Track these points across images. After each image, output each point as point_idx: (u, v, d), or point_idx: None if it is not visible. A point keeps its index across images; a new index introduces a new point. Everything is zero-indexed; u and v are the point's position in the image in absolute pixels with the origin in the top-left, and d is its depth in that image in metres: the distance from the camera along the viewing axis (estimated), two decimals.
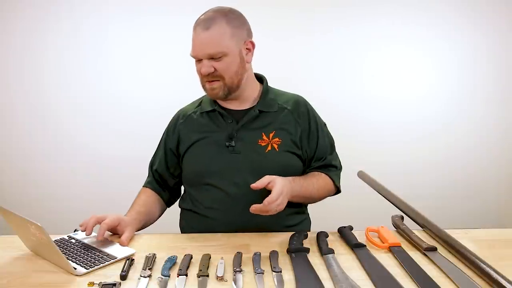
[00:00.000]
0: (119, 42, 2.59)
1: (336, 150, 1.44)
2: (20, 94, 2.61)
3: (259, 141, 1.30)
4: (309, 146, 1.35)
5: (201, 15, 1.26)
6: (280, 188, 1.14)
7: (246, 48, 1.28)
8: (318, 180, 1.33)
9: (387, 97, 2.69)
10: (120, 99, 2.62)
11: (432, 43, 2.64)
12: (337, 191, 1.41)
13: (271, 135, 1.30)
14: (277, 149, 1.29)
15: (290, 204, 1.32)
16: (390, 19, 2.62)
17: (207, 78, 1.25)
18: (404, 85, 2.69)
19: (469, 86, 2.69)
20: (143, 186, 1.45)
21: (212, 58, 1.22)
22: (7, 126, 2.64)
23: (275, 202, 1.12)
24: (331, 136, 1.43)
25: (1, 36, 2.57)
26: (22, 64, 2.59)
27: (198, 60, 1.25)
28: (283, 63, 2.45)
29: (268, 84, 1.40)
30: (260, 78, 1.40)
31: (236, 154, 1.29)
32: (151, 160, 1.48)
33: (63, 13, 2.55)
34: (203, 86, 1.30)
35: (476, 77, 2.69)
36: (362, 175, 1.55)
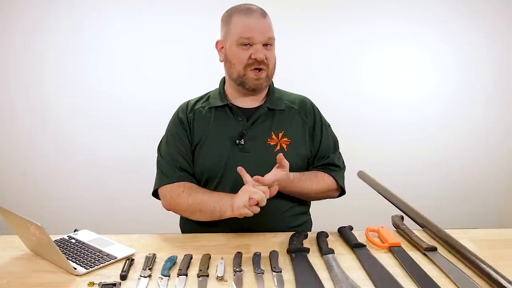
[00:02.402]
0: (119, 42, 2.59)
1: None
2: (20, 94, 2.61)
3: (269, 140, 1.30)
4: (313, 144, 1.36)
5: (244, 6, 1.27)
6: (283, 177, 1.16)
7: None
8: (318, 182, 1.32)
9: (388, 97, 2.69)
10: (120, 99, 2.63)
11: (432, 44, 2.65)
12: (341, 192, 1.40)
13: (280, 134, 1.31)
14: (286, 149, 1.30)
15: (296, 205, 1.34)
16: (391, 19, 2.62)
17: (257, 65, 1.24)
18: (404, 85, 2.69)
19: (469, 86, 2.70)
20: (171, 183, 1.29)
21: (264, 45, 1.24)
22: (7, 126, 2.64)
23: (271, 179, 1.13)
24: (335, 136, 1.44)
25: (1, 36, 2.57)
26: (22, 64, 2.59)
27: (247, 46, 1.24)
28: (284, 63, 2.44)
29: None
30: None
31: (245, 153, 1.28)
32: (168, 156, 1.33)
33: (63, 13, 2.55)
34: (242, 76, 1.26)
35: (476, 77, 2.69)
36: (362, 175, 1.55)
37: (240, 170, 1.15)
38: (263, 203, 1.11)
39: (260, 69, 1.25)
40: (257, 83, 1.27)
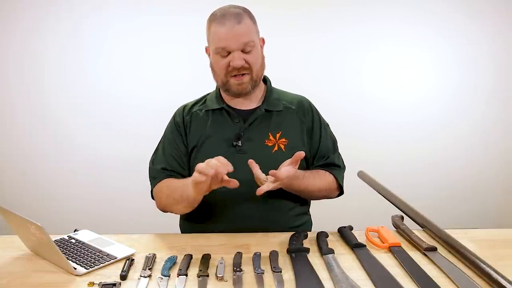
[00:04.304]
0: (119, 42, 2.59)
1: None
2: (20, 94, 2.61)
3: (266, 141, 1.30)
4: (312, 144, 1.36)
5: (220, 11, 1.24)
6: (291, 174, 1.17)
7: (260, 45, 1.31)
8: (321, 179, 1.32)
9: (388, 97, 2.69)
10: (120, 99, 2.63)
11: (432, 44, 2.65)
12: (340, 192, 1.40)
13: (277, 135, 1.30)
14: (283, 150, 1.29)
15: (297, 205, 1.34)
16: (391, 19, 2.62)
17: (237, 72, 1.24)
18: (404, 85, 2.69)
19: (469, 86, 2.70)
20: (158, 182, 1.31)
21: (243, 50, 1.22)
22: (7, 126, 2.65)
23: (281, 175, 1.13)
24: (334, 136, 1.43)
25: (1, 36, 2.57)
26: (22, 64, 2.59)
27: (225, 55, 1.23)
28: (283, 63, 2.45)
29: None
30: (263, 79, 1.40)
31: (243, 154, 1.28)
32: (156, 162, 1.35)
33: (63, 13, 2.55)
34: (226, 83, 1.27)
35: (476, 77, 2.69)
36: (362, 175, 1.55)
37: (251, 162, 1.14)
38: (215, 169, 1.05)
39: (242, 74, 1.24)
40: (240, 87, 1.26)
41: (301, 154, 1.15)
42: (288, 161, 1.17)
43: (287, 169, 1.15)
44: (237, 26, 1.21)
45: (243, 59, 1.22)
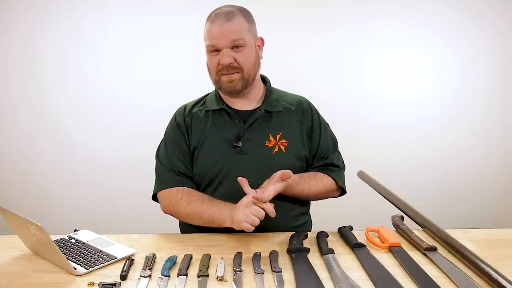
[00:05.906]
0: (119, 42, 2.59)
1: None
2: (20, 94, 2.61)
3: (266, 142, 1.30)
4: (312, 144, 1.36)
5: (215, 11, 1.26)
6: (279, 191, 1.18)
7: (257, 45, 1.31)
8: (317, 184, 1.32)
9: (387, 97, 2.69)
10: (120, 99, 2.63)
11: (432, 44, 2.65)
12: (342, 191, 1.40)
13: (278, 136, 1.30)
14: (284, 151, 1.29)
15: (297, 206, 1.34)
16: (390, 19, 2.62)
17: (226, 70, 1.24)
18: (403, 85, 2.69)
19: (469, 86, 2.70)
20: (168, 187, 1.30)
21: (232, 48, 1.23)
22: (7, 126, 2.64)
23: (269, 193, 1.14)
24: (334, 136, 1.43)
25: (1, 36, 2.57)
26: (22, 64, 2.59)
27: (215, 52, 1.24)
28: (282, 63, 2.46)
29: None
30: (263, 79, 1.40)
31: (243, 155, 1.28)
32: (166, 161, 1.34)
33: (63, 13, 2.55)
34: (217, 81, 1.28)
35: (475, 77, 2.69)
36: (362, 175, 1.55)
37: (241, 180, 1.15)
38: (262, 218, 1.12)
39: (231, 72, 1.24)
40: (230, 85, 1.26)
41: (289, 174, 1.17)
42: (276, 176, 1.17)
43: (275, 187, 1.16)
44: (226, 24, 1.21)
45: (232, 57, 1.22)
